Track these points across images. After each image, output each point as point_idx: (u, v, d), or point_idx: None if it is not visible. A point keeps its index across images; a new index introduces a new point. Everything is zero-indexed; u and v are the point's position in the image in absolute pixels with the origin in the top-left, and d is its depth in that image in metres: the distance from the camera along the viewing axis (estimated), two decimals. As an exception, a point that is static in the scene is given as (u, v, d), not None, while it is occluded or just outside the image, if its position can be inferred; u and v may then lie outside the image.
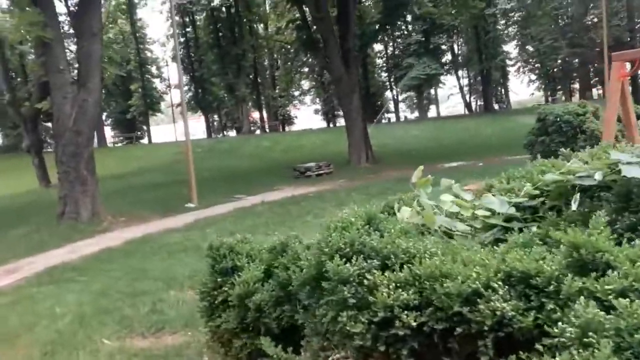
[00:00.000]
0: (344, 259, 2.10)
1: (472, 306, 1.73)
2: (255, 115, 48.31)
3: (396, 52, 42.08)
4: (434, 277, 1.85)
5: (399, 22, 29.17)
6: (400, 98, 46.69)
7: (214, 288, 3.43)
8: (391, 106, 46.77)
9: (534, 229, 2.37)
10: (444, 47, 40.27)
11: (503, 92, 48.34)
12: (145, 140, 47.87)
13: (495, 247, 2.05)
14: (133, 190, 16.91)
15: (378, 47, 40.50)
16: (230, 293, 3.22)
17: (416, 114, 49.94)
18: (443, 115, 48.24)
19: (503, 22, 42.01)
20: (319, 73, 48.76)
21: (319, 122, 57.48)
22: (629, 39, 29.16)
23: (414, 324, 1.80)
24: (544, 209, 2.43)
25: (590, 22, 31.83)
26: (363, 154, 18.39)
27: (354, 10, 18.35)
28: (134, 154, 31.36)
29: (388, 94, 45.91)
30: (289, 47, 42.56)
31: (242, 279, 3.12)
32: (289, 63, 47.88)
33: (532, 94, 59.20)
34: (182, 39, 41.34)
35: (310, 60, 46.94)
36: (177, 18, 42.67)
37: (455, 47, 47.92)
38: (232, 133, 49.95)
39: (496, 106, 42.36)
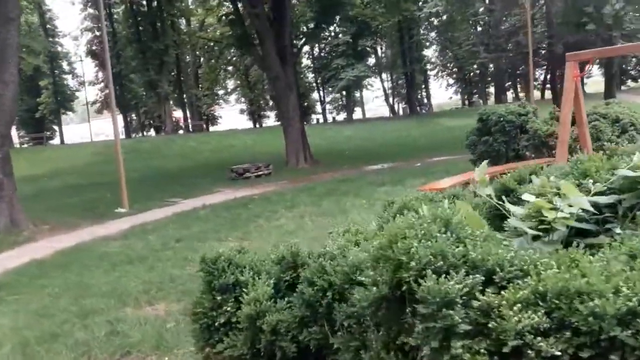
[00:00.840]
0: (436, 275, 1.71)
1: (629, 328, 1.42)
2: (178, 114, 46.43)
3: (322, 54, 42.24)
4: (566, 295, 1.52)
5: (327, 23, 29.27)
6: (327, 99, 46.92)
7: (212, 308, 2.94)
8: (318, 107, 46.89)
9: (618, 230, 2.13)
10: (370, 50, 40.93)
11: (425, 96, 50.06)
12: (56, 141, 44.37)
13: (581, 252, 1.75)
14: (51, 194, 15.40)
15: (305, 47, 40.40)
16: (235, 313, 2.75)
17: (342, 115, 50.53)
18: (368, 117, 49.11)
19: (425, 25, 43.42)
20: (245, 72, 47.88)
21: (244, 123, 56.47)
22: (547, 44, 31.01)
23: (556, 352, 1.45)
24: (623, 209, 2.21)
25: (511, 27, 33.51)
26: (301, 155, 18.04)
27: (289, 6, 17.95)
28: (47, 156, 28.89)
29: (316, 95, 46.01)
30: (212, 44, 41.32)
31: (252, 296, 2.65)
32: (213, 60, 46.53)
33: (451, 97, 61.98)
34: (97, 33, 38.80)
35: (235, 58, 46.01)
36: (92, 10, 39.99)
37: (379, 50, 49.05)
38: (152, 133, 47.68)
39: (419, 109, 43.69)
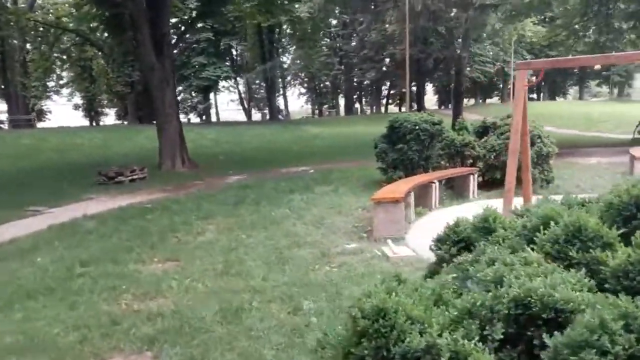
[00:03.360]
0: None
1: None
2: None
3: (181, 50, 39.42)
4: None
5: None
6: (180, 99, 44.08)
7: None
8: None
9: None
10: (234, 50, 39.59)
11: (283, 103, 50.19)
12: None
13: None
14: None
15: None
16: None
17: (193, 116, 48.08)
18: (223, 120, 47.50)
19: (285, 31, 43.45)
20: (84, 63, 42.71)
21: (79, 120, 50.48)
22: (419, 59, 32.91)
23: None
24: None
25: (380, 40, 34.99)
26: (178, 157, 16.23)
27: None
28: None
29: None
30: (45, 27, 35.95)
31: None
32: (45, 46, 40.54)
33: (302, 106, 63.28)
34: None
35: (71, 47, 40.70)
36: None
37: (234, 51, 47.78)
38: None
39: (279, 116, 43.48)
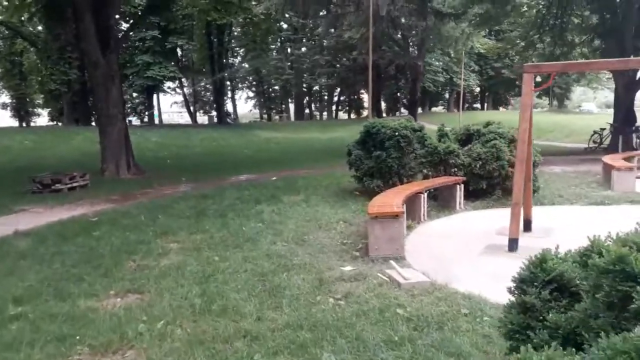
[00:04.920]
0: None
1: None
2: None
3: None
4: None
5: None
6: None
7: None
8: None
9: None
10: (180, 49, 37.67)
11: (232, 106, 48.56)
12: None
13: None
14: None
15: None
16: None
17: (136, 119, 45.53)
18: (166, 123, 45.28)
19: (235, 33, 42.04)
20: (14, 59, 39.36)
21: (7, 120, 46.71)
22: (378, 65, 32.29)
23: None
24: None
25: (341, 45, 34.08)
26: (123, 162, 14.67)
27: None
28: None
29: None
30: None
31: None
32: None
33: (250, 110, 61.77)
34: None
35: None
36: None
37: (179, 51, 45.69)
38: None
39: (229, 120, 41.77)
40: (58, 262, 6.01)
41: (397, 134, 9.77)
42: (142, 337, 3.91)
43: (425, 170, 9.62)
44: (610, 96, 71.67)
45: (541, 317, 2.61)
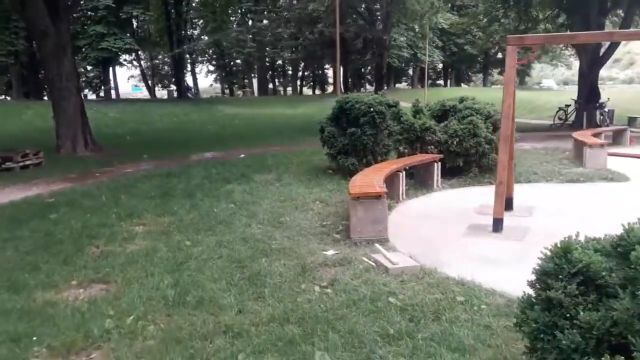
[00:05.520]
0: None
1: None
2: None
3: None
4: None
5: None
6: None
7: None
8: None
9: None
10: (134, 20, 35.87)
11: (192, 80, 47.00)
12: None
13: None
14: None
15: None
16: None
17: (91, 93, 43.48)
18: (124, 97, 43.45)
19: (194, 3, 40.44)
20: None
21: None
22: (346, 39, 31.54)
23: None
24: None
25: (306, 17, 32.93)
26: (80, 138, 13.81)
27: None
28: None
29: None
30: None
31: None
32: None
33: (211, 85, 60.09)
34: None
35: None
36: None
37: (135, 22, 43.64)
38: None
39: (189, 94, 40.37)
40: (11, 249, 5.45)
41: (372, 109, 9.42)
42: (109, 336, 3.48)
43: (401, 148, 9.34)
44: (567, 73, 73.49)
45: (568, 315, 2.36)
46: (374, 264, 4.92)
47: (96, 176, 10.53)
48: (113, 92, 40.88)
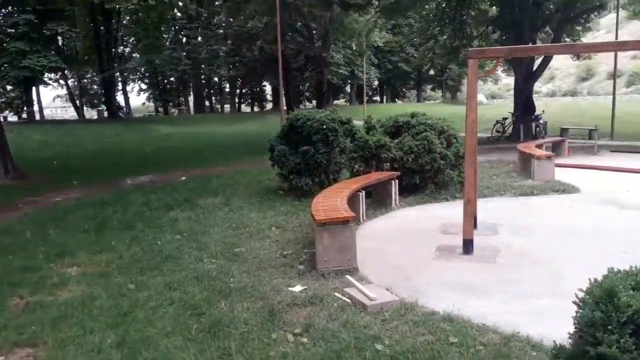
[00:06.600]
0: None
1: None
2: None
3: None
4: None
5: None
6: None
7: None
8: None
9: None
10: (60, 38, 33.77)
11: (124, 99, 44.92)
12: None
13: None
14: None
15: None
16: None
17: (11, 114, 40.47)
18: (49, 119, 40.79)
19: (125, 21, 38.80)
20: None
21: None
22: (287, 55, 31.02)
23: None
24: None
25: (246, 34, 32.08)
26: (0, 165, 12.45)
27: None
28: None
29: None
30: None
31: None
32: None
33: (144, 103, 57.88)
34: None
35: None
36: None
37: (60, 39, 41.24)
38: None
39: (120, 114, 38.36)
40: None
41: (324, 127, 8.99)
42: None
43: (356, 166, 8.95)
44: (494, 87, 77.16)
45: (624, 373, 1.96)
46: (349, 300, 4.41)
47: (19, 208, 9.39)
48: (37, 113, 38.29)
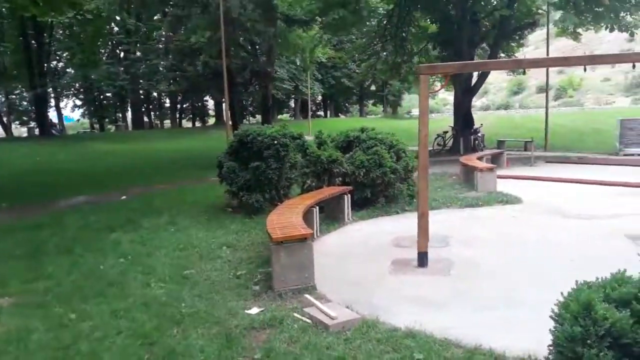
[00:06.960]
0: None
1: None
2: None
3: None
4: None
5: None
6: None
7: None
8: None
9: None
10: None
11: (57, 116, 42.75)
12: None
13: None
14: None
15: None
16: None
17: None
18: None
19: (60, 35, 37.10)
20: None
21: None
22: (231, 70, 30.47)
23: None
24: None
25: (183, 47, 31.17)
26: None
27: None
28: None
29: None
30: None
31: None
32: None
33: (79, 120, 55.44)
34: None
35: None
36: None
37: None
38: None
39: (53, 131, 36.41)
40: None
41: (276, 142, 8.84)
42: None
43: (308, 181, 8.85)
44: (431, 102, 79.65)
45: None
46: (309, 320, 4.26)
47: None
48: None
